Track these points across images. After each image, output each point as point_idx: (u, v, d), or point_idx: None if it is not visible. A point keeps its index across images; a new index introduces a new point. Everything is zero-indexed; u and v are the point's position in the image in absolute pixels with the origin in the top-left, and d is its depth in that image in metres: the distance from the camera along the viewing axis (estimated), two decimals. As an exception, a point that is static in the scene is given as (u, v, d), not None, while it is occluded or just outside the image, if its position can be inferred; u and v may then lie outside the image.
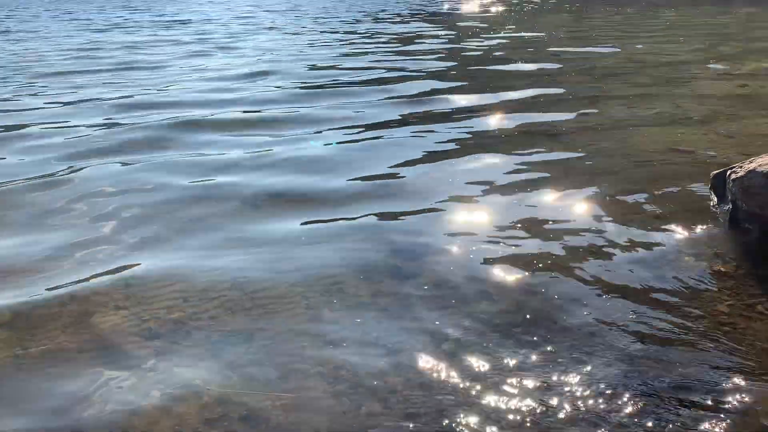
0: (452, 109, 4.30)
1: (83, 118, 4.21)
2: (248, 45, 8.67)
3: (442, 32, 10.22)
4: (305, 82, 5.44)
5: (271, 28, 11.60)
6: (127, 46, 8.69)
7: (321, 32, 10.39)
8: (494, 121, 3.88)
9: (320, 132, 3.70)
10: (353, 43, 8.61)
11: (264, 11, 16.23)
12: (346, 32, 10.27)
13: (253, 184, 2.74)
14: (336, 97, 4.70)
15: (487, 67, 6.28)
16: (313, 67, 6.35)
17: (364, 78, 5.53)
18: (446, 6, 18.05)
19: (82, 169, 3.00)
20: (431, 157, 3.15)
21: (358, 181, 2.76)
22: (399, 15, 14.41)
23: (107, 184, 2.74)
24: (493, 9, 16.58)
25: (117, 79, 5.88)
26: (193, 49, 8.24)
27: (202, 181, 2.81)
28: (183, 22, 13.07)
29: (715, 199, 2.26)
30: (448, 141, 3.43)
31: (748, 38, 8.58)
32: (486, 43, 8.50)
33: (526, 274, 1.83)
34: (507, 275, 1.83)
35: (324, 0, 20.16)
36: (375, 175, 2.84)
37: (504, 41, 8.89)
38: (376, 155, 3.16)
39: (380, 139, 3.50)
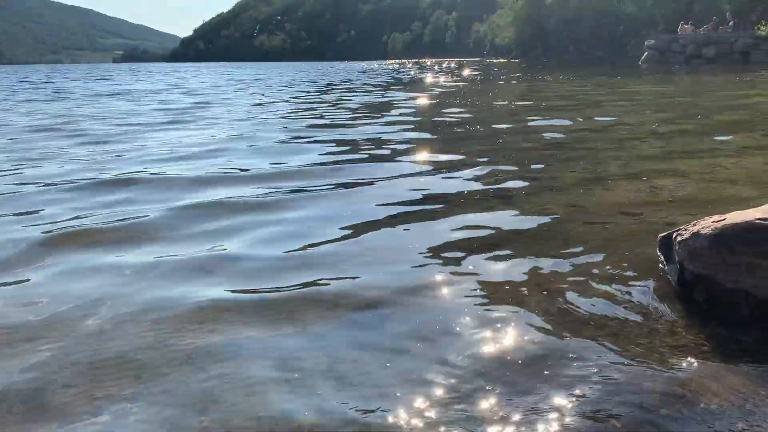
0: (408, 173, 4.32)
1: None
2: (212, 116, 8.71)
3: (404, 101, 10.45)
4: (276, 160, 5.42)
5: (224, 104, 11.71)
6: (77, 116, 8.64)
7: (290, 100, 10.53)
8: (449, 185, 3.90)
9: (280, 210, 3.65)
10: (319, 111, 8.73)
11: (214, 82, 16.51)
12: (315, 102, 10.42)
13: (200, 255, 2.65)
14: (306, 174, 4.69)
15: (446, 133, 6.40)
16: (283, 141, 6.37)
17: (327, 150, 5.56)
18: (407, 77, 18.66)
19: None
20: (383, 222, 3.12)
21: (309, 249, 2.71)
22: (356, 84, 14.80)
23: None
24: (451, 80, 17.17)
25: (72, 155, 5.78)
26: (159, 120, 8.25)
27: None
28: (135, 93, 13.14)
29: (664, 260, 2.28)
30: (400, 204, 3.42)
31: (691, 104, 9.03)
32: (446, 110, 8.71)
33: (477, 337, 1.79)
34: (457, 340, 1.78)
35: (289, 70, 20.59)
36: (322, 242, 2.80)
37: (463, 109, 9.13)
38: (327, 223, 3.12)
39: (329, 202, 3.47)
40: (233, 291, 2.23)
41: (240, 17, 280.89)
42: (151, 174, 4.36)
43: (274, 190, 3.89)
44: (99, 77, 30.17)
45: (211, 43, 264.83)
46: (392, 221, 3.13)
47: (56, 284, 2.32)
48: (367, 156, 5.11)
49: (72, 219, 3.26)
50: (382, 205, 3.44)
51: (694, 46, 31.75)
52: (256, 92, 14.16)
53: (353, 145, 5.68)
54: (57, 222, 3.19)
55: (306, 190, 3.84)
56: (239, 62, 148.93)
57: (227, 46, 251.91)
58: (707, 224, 2.05)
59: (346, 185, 3.99)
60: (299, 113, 8.96)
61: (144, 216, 3.24)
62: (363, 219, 3.16)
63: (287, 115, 8.64)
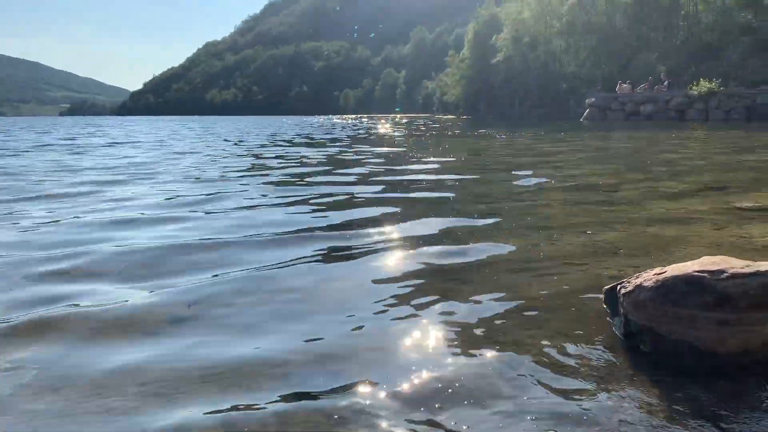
0: (354, 245, 4.31)
1: None
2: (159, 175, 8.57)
3: (363, 156, 10.53)
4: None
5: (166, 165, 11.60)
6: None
7: (238, 155, 10.49)
8: (395, 258, 3.90)
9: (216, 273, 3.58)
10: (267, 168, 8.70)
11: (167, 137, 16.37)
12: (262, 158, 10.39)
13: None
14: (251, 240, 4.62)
15: (402, 187, 6.45)
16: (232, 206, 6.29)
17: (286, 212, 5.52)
18: (360, 131, 18.89)
19: None
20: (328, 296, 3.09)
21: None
22: (313, 137, 14.90)
23: None
24: (403, 134, 17.47)
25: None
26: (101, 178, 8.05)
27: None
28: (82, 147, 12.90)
29: (609, 312, 2.33)
30: (342, 279, 3.40)
31: (632, 158, 9.40)
32: (401, 166, 8.82)
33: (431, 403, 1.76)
34: (406, 404, 1.76)
35: (242, 124, 20.62)
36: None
37: (419, 165, 9.26)
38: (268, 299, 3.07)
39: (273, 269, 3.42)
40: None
41: (191, 72, 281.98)
42: (114, 245, 4.22)
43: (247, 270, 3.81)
44: (43, 131, 29.56)
45: (161, 97, 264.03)
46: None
47: None
48: (326, 216, 5.09)
49: None
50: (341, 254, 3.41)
51: (633, 104, 33.42)
52: (209, 146, 14.04)
53: (314, 205, 5.67)
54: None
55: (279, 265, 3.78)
56: (190, 116, 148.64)
57: (178, 99, 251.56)
58: (649, 277, 2.11)
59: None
60: (257, 169, 8.93)
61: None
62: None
63: (245, 172, 8.59)
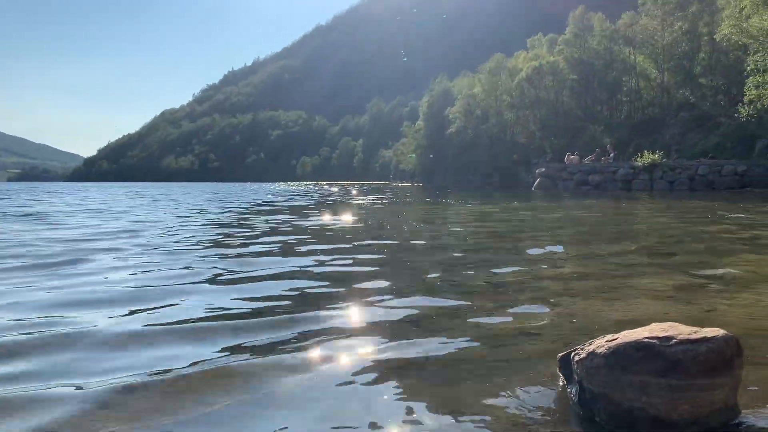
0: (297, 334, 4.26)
1: None
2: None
3: (323, 224, 10.51)
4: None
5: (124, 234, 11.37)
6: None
7: (206, 224, 10.32)
8: (356, 309, 3.87)
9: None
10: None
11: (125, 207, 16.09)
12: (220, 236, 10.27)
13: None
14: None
15: (360, 260, 6.44)
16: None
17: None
18: (320, 199, 18.94)
19: None
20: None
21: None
22: (272, 205, 14.84)
23: None
24: (364, 201, 17.58)
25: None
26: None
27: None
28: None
29: (564, 380, 2.33)
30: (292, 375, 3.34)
31: (582, 226, 9.65)
32: (363, 234, 8.82)
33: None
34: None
35: (198, 191, 20.43)
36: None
37: (375, 231, 9.28)
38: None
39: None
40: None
41: (148, 138, 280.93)
42: (79, 330, 4.04)
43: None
44: (-11, 196, 28.74)
45: (116, 163, 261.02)
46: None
47: None
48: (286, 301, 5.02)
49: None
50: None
51: (581, 174, 34.66)
52: (167, 215, 13.75)
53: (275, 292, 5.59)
54: None
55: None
56: (145, 182, 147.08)
57: (133, 166, 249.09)
58: (602, 343, 2.13)
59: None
60: (220, 241, 8.80)
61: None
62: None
63: (210, 245, 8.45)
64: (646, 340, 2.03)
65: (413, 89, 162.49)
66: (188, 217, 13.14)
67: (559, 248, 6.81)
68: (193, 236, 8.61)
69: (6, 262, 5.88)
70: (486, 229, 9.70)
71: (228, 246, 7.46)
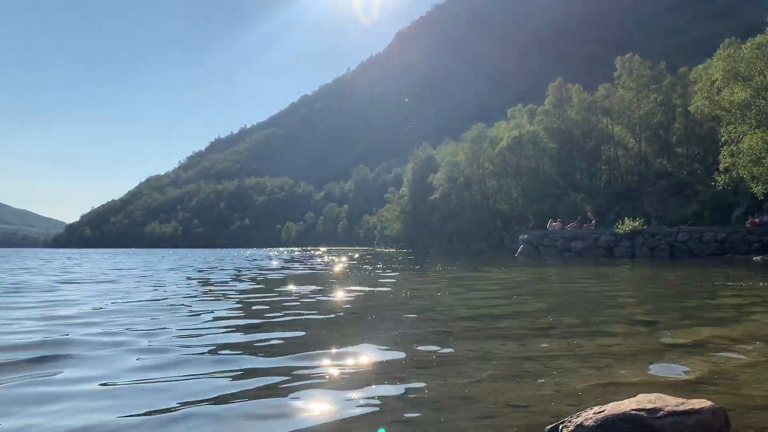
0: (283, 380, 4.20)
1: None
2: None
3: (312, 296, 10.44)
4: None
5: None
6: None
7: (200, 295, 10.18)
8: (340, 375, 3.82)
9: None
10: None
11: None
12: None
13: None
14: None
15: (345, 321, 6.39)
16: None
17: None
18: (309, 266, 18.82)
19: None
20: None
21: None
22: (260, 271, 14.67)
23: None
24: (352, 268, 17.48)
25: None
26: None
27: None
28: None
29: (553, 453, 2.30)
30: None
31: (566, 294, 9.67)
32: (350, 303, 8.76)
33: None
34: None
35: (182, 257, 20.23)
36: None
37: (355, 297, 9.23)
38: None
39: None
40: None
41: (132, 204, 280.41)
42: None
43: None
44: (-33, 263, 28.27)
45: (98, 230, 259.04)
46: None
47: None
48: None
49: None
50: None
51: (564, 241, 34.95)
52: (157, 286, 13.41)
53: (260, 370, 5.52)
54: None
55: None
56: (128, 248, 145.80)
57: (115, 232, 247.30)
58: (589, 416, 2.13)
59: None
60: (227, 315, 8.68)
61: None
62: None
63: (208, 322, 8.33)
64: (634, 412, 2.03)
65: (396, 156, 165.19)
66: (181, 286, 12.97)
67: (543, 317, 6.81)
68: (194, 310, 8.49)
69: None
70: (476, 298, 9.69)
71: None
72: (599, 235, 33.51)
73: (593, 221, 37.30)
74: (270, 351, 4.85)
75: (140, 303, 8.63)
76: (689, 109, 46.90)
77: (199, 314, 7.21)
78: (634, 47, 67.27)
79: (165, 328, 6.03)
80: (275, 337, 5.52)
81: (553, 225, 38.28)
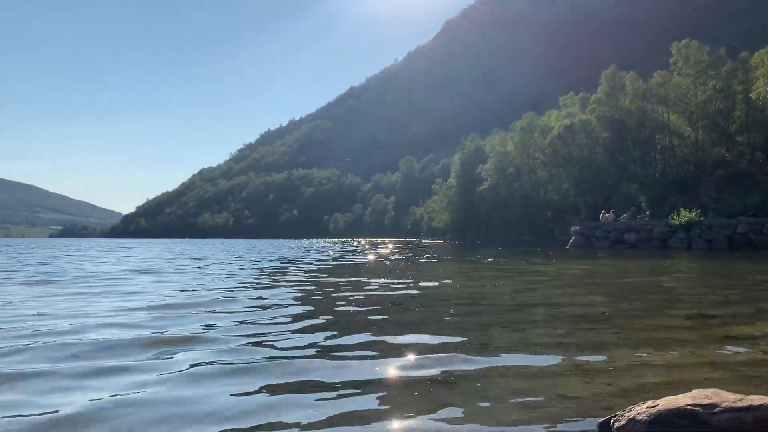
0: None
1: None
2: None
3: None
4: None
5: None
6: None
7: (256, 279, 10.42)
8: (392, 371, 3.86)
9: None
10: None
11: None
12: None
13: None
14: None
15: (400, 315, 6.43)
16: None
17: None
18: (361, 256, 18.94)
19: None
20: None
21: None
22: (317, 263, 14.87)
23: None
24: (404, 259, 17.55)
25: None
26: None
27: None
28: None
29: (604, 447, 2.28)
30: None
31: (623, 286, 9.47)
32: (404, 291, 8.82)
33: None
34: None
35: (240, 246, 20.61)
36: None
37: (407, 290, 9.28)
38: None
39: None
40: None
41: (186, 196, 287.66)
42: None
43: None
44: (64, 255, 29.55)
45: (153, 220, 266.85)
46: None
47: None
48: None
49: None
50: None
51: (617, 233, 34.15)
52: (230, 274, 13.58)
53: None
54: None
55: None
56: (183, 238, 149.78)
57: (169, 223, 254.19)
58: (642, 410, 2.10)
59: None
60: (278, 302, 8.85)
61: None
62: None
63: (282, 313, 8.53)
64: (689, 407, 1.99)
65: (444, 147, 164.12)
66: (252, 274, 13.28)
67: (595, 309, 6.70)
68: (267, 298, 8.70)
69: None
70: (528, 289, 9.59)
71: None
72: (653, 227, 32.59)
73: (647, 212, 36.26)
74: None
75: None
76: (750, 95, 44.95)
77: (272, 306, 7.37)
78: (692, 33, 64.81)
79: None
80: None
81: (605, 216, 37.43)
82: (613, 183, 53.02)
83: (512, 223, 64.01)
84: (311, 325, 5.67)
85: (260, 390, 3.40)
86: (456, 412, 2.96)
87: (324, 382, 3.57)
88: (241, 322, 5.82)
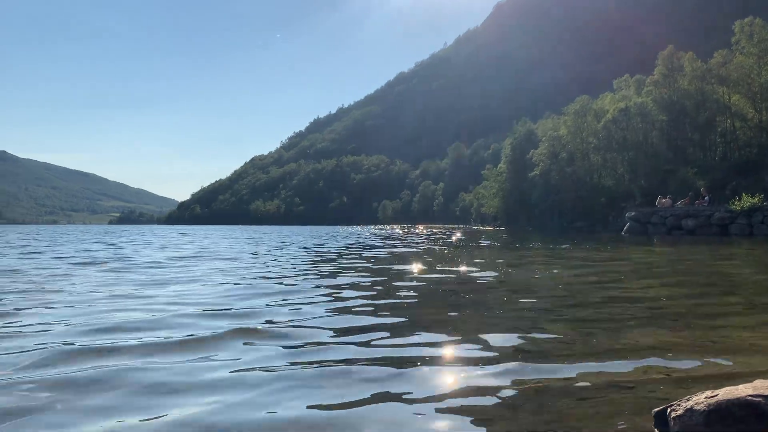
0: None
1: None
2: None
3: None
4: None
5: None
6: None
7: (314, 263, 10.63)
8: (450, 358, 3.88)
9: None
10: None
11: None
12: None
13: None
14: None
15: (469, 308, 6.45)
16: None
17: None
18: (416, 243, 19.00)
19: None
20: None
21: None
22: (372, 248, 14.97)
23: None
24: (460, 245, 17.50)
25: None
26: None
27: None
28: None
29: (660, 437, 2.25)
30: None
31: (682, 274, 9.23)
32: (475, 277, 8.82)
33: None
34: None
35: (297, 233, 20.92)
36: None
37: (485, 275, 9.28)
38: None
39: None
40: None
41: (238, 184, 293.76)
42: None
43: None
44: (142, 240, 30.73)
45: (207, 207, 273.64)
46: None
47: None
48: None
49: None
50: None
51: (674, 218, 33.13)
52: (290, 259, 13.85)
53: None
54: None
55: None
56: (235, 225, 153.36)
57: (223, 210, 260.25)
58: (700, 400, 2.05)
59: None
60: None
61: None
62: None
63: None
64: (750, 398, 1.94)
65: (494, 132, 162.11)
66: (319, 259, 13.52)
67: (652, 294, 6.55)
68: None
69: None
70: (584, 276, 9.44)
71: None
72: (713, 212, 31.45)
73: (706, 197, 34.99)
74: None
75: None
76: (820, 75, 42.70)
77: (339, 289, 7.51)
78: (756, 9, 61.70)
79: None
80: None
81: (662, 202, 36.35)
82: (669, 167, 51.34)
83: (564, 209, 62.87)
84: (385, 323, 5.74)
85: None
86: (502, 400, 2.96)
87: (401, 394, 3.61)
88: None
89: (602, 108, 61.26)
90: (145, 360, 3.77)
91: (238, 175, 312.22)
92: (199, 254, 15.76)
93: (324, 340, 4.36)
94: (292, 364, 3.68)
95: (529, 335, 4.48)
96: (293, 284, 8.06)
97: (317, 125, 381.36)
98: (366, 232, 51.55)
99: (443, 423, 2.63)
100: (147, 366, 3.58)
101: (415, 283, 8.21)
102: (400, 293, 7.05)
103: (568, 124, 64.87)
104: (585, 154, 63.17)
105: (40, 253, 16.36)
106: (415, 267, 11.06)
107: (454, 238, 30.19)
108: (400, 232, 50.27)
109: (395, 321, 5.14)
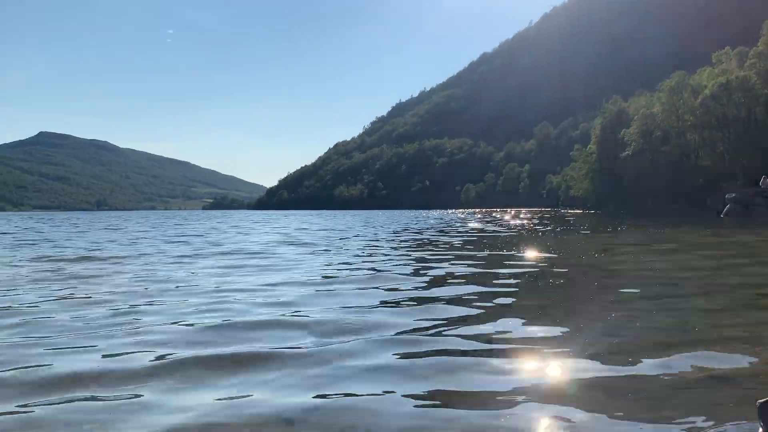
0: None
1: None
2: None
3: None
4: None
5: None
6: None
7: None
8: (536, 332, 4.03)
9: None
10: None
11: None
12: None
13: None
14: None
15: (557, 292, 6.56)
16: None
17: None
18: (517, 230, 18.85)
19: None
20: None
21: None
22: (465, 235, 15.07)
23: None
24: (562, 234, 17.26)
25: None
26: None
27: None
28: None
29: (763, 426, 2.34)
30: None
31: None
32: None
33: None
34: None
35: (386, 217, 21.10)
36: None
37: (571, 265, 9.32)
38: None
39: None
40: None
41: (322, 169, 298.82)
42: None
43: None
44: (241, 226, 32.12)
45: (294, 192, 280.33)
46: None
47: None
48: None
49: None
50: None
51: (780, 200, 31.15)
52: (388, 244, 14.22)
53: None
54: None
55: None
56: (320, 209, 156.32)
57: (308, 195, 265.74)
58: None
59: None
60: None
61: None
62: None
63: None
64: None
65: (582, 112, 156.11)
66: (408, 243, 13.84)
67: (761, 286, 6.38)
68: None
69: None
70: (690, 263, 9.26)
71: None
72: (825, 193, 29.31)
73: (818, 177, 32.59)
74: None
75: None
76: None
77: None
78: None
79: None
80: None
81: (766, 182, 34.21)
82: (776, 145, 47.95)
83: (659, 191, 60.00)
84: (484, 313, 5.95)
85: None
86: (601, 388, 3.10)
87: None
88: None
89: (700, 83, 57.84)
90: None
91: (322, 161, 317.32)
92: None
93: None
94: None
95: (628, 325, 4.55)
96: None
97: (399, 109, 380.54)
98: (452, 215, 51.24)
99: (541, 408, 2.81)
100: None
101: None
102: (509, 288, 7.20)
103: (663, 101, 61.69)
104: (681, 132, 59.99)
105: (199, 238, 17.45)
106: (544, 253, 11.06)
107: (540, 222, 29.49)
108: (495, 215, 49.47)
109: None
